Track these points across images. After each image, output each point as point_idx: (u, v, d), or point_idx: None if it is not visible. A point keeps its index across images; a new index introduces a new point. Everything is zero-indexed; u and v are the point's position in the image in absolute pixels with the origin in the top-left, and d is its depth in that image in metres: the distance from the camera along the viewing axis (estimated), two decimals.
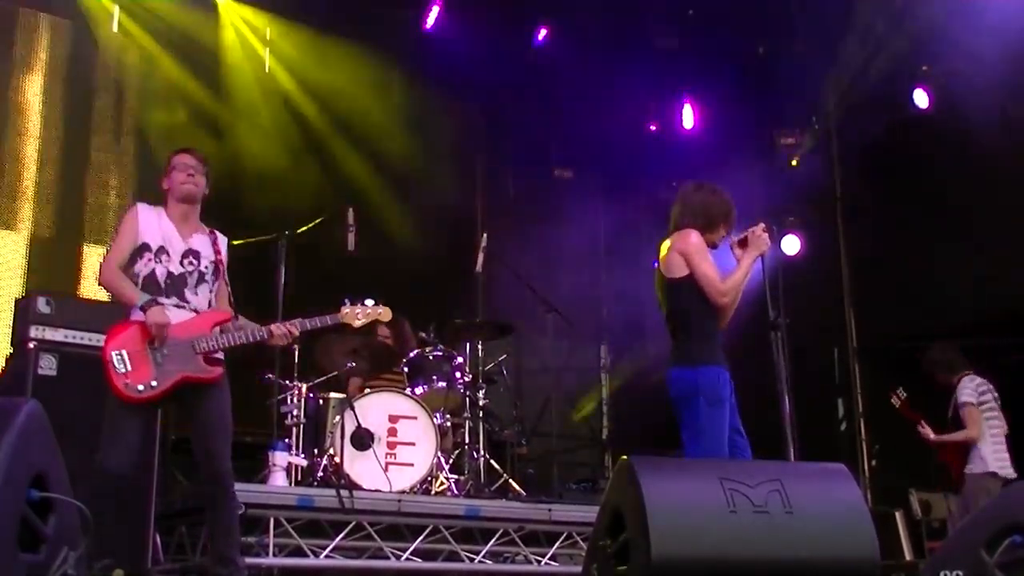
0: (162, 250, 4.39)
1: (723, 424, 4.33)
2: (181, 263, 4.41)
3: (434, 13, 9.32)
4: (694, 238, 4.51)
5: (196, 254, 4.46)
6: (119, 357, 4.16)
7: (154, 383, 4.18)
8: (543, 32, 9.65)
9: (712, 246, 4.59)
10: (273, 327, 4.48)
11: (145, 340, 4.21)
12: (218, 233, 4.60)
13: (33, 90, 8.08)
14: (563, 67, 9.55)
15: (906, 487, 7.92)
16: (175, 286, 4.38)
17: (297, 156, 8.98)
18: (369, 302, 4.80)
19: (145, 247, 4.38)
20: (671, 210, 4.71)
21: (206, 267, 4.47)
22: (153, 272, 4.36)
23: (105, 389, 4.15)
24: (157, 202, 4.55)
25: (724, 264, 4.55)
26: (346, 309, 4.74)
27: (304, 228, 6.31)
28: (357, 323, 4.77)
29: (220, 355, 4.38)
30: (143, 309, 4.21)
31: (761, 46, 9.26)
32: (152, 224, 4.42)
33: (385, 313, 4.83)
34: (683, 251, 4.50)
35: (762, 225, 4.53)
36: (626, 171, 10.25)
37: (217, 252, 4.52)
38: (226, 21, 9.24)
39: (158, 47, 8.63)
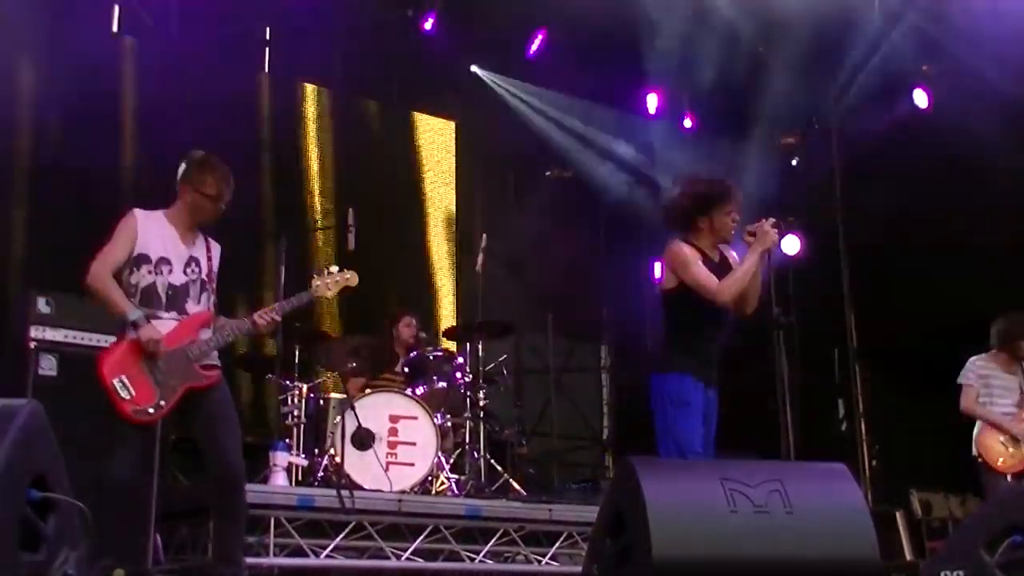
0: (163, 261, 4.28)
1: (691, 427, 4.32)
2: (184, 271, 4.33)
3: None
4: (683, 249, 4.45)
5: (197, 261, 4.38)
6: (121, 383, 4.10)
7: (162, 402, 4.15)
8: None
9: (724, 241, 4.56)
10: (255, 316, 4.46)
11: (140, 359, 4.14)
12: (211, 240, 4.51)
13: None
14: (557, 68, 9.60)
15: (906, 487, 7.91)
16: (176, 298, 4.29)
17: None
18: (334, 269, 4.77)
19: (144, 258, 4.26)
20: (674, 203, 4.61)
21: (206, 274, 4.39)
22: (153, 284, 4.25)
23: (106, 400, 4.11)
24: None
25: (740, 254, 4.54)
26: (316, 282, 4.71)
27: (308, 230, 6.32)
28: (329, 293, 4.75)
29: (215, 356, 4.36)
30: (135, 325, 4.13)
31: (761, 45, 9.24)
32: (152, 233, 4.30)
33: (352, 278, 4.79)
34: (671, 264, 4.49)
35: (772, 220, 4.43)
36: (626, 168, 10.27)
37: (210, 260, 4.45)
38: None
39: None
